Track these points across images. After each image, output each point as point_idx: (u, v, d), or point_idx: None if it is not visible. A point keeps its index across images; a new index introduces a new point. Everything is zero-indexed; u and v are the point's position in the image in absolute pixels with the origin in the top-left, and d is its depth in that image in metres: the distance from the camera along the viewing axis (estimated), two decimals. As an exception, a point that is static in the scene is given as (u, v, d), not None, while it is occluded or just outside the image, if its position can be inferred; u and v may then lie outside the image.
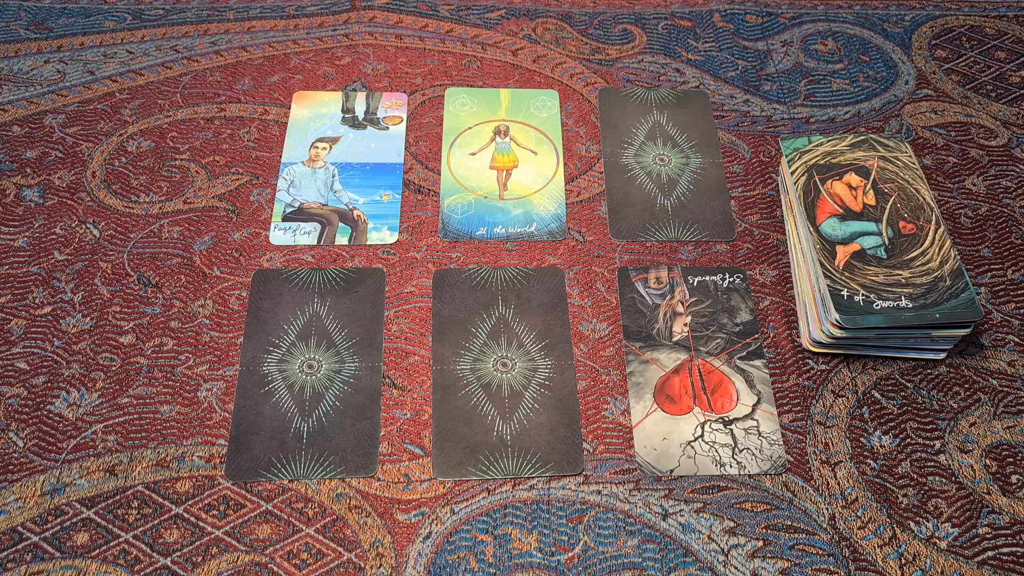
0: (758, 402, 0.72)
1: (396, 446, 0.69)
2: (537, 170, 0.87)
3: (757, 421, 0.70)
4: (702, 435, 0.70)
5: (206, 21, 0.98)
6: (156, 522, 0.64)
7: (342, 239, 0.81)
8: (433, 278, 0.78)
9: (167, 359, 0.73)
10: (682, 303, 0.77)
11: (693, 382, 0.73)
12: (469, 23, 1.00)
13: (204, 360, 0.73)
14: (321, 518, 0.65)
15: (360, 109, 0.91)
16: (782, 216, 0.84)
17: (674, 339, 0.75)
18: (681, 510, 0.66)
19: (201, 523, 0.65)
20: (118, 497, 0.66)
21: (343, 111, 0.91)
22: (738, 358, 0.74)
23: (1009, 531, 0.66)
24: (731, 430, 0.70)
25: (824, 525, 0.66)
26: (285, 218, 0.82)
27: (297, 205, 0.83)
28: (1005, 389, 0.73)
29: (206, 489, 0.66)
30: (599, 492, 0.67)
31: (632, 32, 1.00)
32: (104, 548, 0.63)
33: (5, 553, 0.63)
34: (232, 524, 0.65)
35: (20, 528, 0.64)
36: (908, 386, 0.73)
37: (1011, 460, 0.70)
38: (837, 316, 0.70)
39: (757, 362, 0.74)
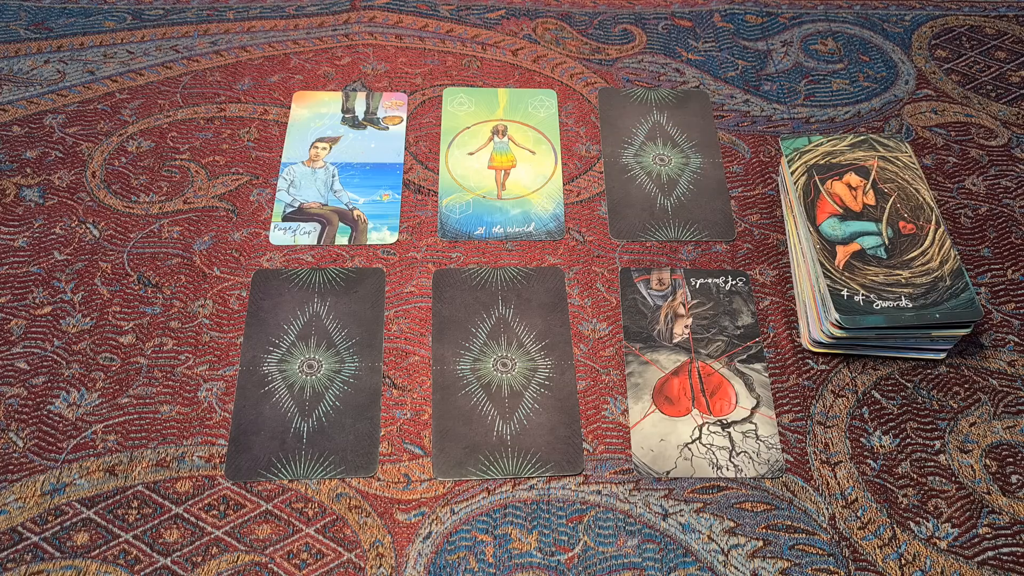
0: (757, 405, 0.72)
1: (396, 446, 0.69)
2: (535, 170, 0.87)
3: (755, 424, 0.71)
4: (700, 437, 0.70)
5: (206, 21, 0.98)
6: (156, 522, 0.65)
7: (342, 239, 0.81)
8: (433, 278, 0.78)
9: (167, 359, 0.73)
10: (683, 305, 0.77)
11: (692, 384, 0.73)
12: (469, 23, 1.00)
13: (204, 360, 0.73)
14: (321, 518, 0.65)
15: (360, 109, 0.91)
16: (782, 216, 0.84)
17: (674, 341, 0.75)
18: (681, 510, 0.66)
19: (201, 523, 0.65)
20: (118, 497, 0.66)
21: (343, 111, 0.91)
22: (738, 361, 0.74)
23: (1009, 531, 0.66)
24: (729, 433, 0.70)
25: (824, 525, 0.66)
26: (285, 218, 0.82)
27: (297, 205, 0.83)
28: (1005, 389, 0.73)
29: (206, 489, 0.66)
30: (599, 492, 0.67)
31: (632, 32, 1.00)
32: (104, 548, 0.63)
33: (5, 553, 0.63)
34: (232, 524, 0.65)
35: (20, 528, 0.64)
36: (908, 386, 0.73)
37: (1011, 460, 0.70)
38: (837, 316, 0.70)
39: (757, 365, 0.74)
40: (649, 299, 0.78)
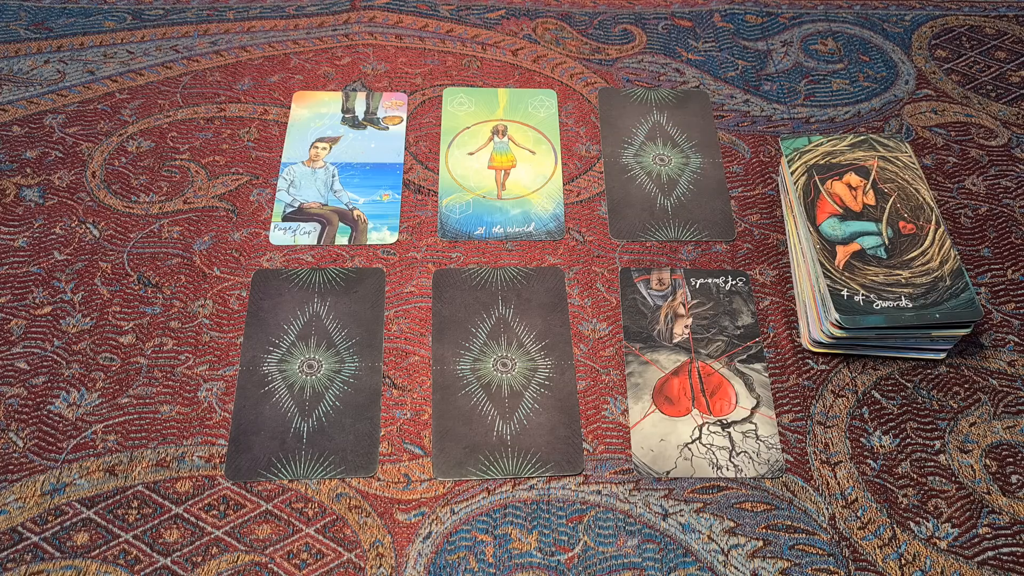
0: (757, 405, 0.72)
1: (396, 446, 0.69)
2: (535, 170, 0.87)
3: (755, 424, 0.71)
4: (700, 437, 0.70)
5: (206, 21, 0.98)
6: (156, 522, 0.65)
7: (342, 239, 0.81)
8: (433, 278, 0.78)
9: (167, 359, 0.73)
10: (684, 305, 0.77)
11: (692, 384, 0.73)
12: (469, 23, 1.00)
13: (204, 360, 0.73)
14: (321, 518, 0.65)
15: (360, 109, 0.91)
16: (782, 216, 0.84)
17: (674, 341, 0.75)
18: (681, 510, 0.66)
19: (201, 523, 0.65)
20: (118, 497, 0.66)
21: (343, 111, 0.91)
22: (738, 361, 0.74)
23: (1009, 531, 0.66)
24: (729, 433, 0.70)
25: (824, 525, 0.66)
26: (285, 218, 0.82)
27: (297, 205, 0.83)
28: (1005, 389, 0.73)
29: (206, 489, 0.66)
30: (599, 492, 0.67)
31: (632, 32, 1.00)
32: (104, 548, 0.63)
33: (5, 553, 0.63)
34: (232, 524, 0.65)
35: (20, 528, 0.64)
36: (908, 386, 0.73)
37: (1011, 460, 0.70)
38: (837, 316, 0.70)
39: (757, 365, 0.74)
40: (649, 299, 0.78)
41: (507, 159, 0.88)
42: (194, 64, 0.94)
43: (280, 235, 0.81)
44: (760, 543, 0.65)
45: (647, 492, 0.67)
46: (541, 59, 0.97)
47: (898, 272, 0.72)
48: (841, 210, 0.76)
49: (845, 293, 0.71)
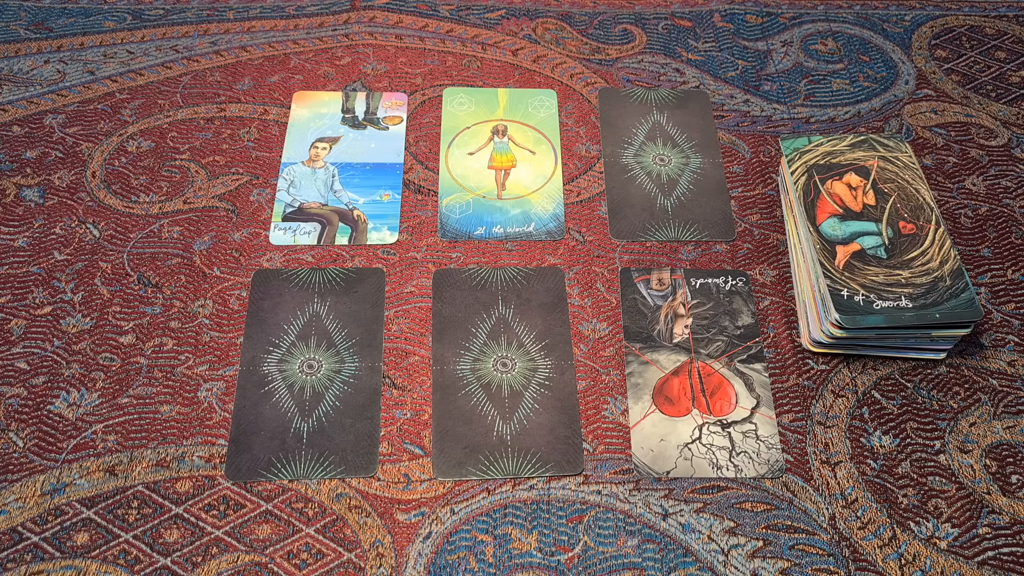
0: (757, 405, 0.72)
1: (396, 446, 0.69)
2: (535, 169, 0.87)
3: (755, 424, 0.71)
4: (700, 437, 0.70)
5: (206, 21, 0.98)
6: (156, 522, 0.65)
7: (342, 239, 0.81)
8: (433, 278, 0.78)
9: (167, 359, 0.73)
10: (684, 305, 0.77)
11: (692, 384, 0.73)
12: (469, 23, 1.00)
13: (204, 360, 0.73)
14: (321, 518, 0.65)
15: (360, 109, 0.91)
16: (782, 216, 0.84)
17: (674, 341, 0.75)
18: (681, 510, 0.66)
19: (201, 523, 0.65)
20: (118, 497, 0.66)
21: (343, 111, 0.91)
22: (738, 361, 0.74)
23: (1009, 531, 0.66)
24: (729, 433, 0.70)
25: (824, 525, 0.66)
26: (285, 218, 0.82)
27: (297, 205, 0.83)
28: (1005, 389, 0.73)
29: (206, 489, 0.66)
30: (599, 492, 0.67)
31: (632, 32, 1.00)
32: (104, 548, 0.63)
33: (5, 553, 0.63)
34: (232, 524, 0.65)
35: (20, 528, 0.64)
36: (908, 386, 0.73)
37: (1011, 460, 0.70)
38: (837, 316, 0.70)
39: (757, 365, 0.74)
40: (649, 299, 0.78)
41: (507, 159, 0.88)
42: (194, 64, 0.94)
43: (280, 235, 0.81)
44: (760, 543, 0.65)
45: (647, 492, 0.67)
46: (541, 59, 0.97)
47: (898, 272, 0.72)
48: (841, 210, 0.76)
49: (845, 293, 0.71)
